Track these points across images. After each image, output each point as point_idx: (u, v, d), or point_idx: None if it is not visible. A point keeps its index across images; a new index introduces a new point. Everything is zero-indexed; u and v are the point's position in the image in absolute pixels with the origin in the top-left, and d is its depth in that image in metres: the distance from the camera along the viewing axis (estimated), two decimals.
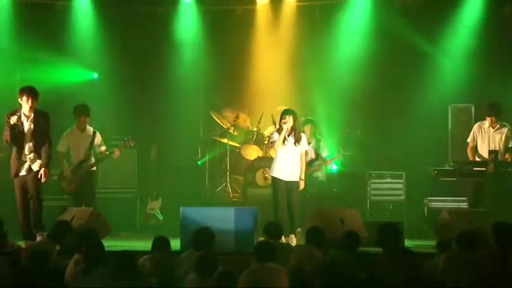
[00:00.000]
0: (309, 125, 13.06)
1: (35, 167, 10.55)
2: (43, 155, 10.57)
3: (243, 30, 15.28)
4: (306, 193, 11.99)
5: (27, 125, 10.57)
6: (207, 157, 14.79)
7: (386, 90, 14.61)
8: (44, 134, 10.61)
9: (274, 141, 11.28)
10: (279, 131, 11.29)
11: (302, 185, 11.25)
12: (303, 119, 12.93)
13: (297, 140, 11.21)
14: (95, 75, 15.09)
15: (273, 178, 11.34)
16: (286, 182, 11.19)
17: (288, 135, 11.19)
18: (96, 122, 12.76)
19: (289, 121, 11.15)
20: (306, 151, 11.58)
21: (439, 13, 14.42)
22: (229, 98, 15.23)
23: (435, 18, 14.42)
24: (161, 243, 8.37)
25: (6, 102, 14.32)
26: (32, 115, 10.57)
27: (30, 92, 10.56)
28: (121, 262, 7.34)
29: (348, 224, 10.14)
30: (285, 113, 11.29)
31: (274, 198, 11.28)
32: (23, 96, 10.55)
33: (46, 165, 10.59)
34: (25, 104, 10.53)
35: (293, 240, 10.85)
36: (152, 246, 8.37)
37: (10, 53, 14.45)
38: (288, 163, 11.20)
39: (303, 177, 11.25)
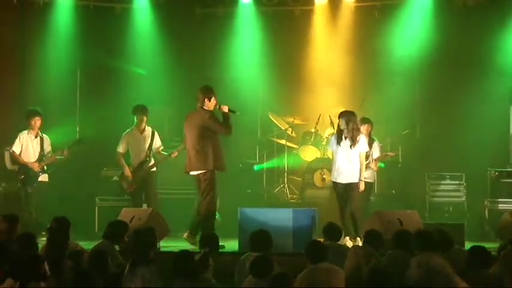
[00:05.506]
0: (365, 125, 12.78)
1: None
2: None
3: (301, 30, 15.28)
4: (368, 195, 11.95)
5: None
6: (264, 165, 14.78)
7: (446, 90, 14.45)
8: None
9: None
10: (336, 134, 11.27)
11: (362, 186, 11.14)
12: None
13: (353, 142, 11.13)
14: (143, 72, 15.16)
15: (333, 182, 11.35)
16: (344, 184, 11.14)
17: (345, 138, 11.14)
18: (155, 122, 12.88)
19: (341, 124, 11.09)
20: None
21: (500, 11, 14.21)
22: (286, 99, 15.22)
23: (496, 17, 14.21)
24: (208, 240, 8.55)
25: (68, 104, 14.64)
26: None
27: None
28: (180, 262, 7.38)
29: (406, 225, 10.04)
30: (339, 116, 11.25)
31: (337, 202, 11.27)
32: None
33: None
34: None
35: (358, 243, 10.54)
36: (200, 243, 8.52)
37: (71, 55, 14.65)
38: (345, 166, 11.13)
39: (362, 178, 11.15)
